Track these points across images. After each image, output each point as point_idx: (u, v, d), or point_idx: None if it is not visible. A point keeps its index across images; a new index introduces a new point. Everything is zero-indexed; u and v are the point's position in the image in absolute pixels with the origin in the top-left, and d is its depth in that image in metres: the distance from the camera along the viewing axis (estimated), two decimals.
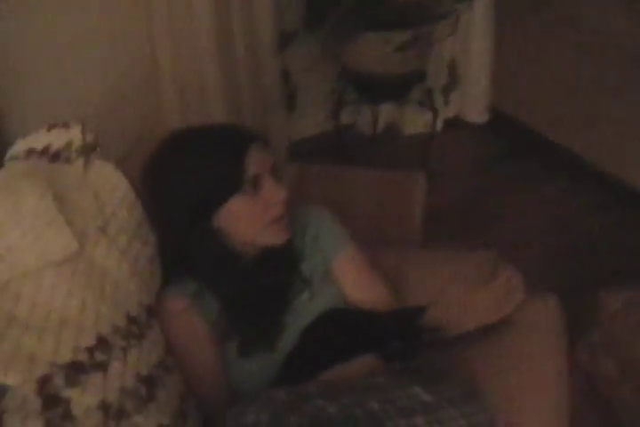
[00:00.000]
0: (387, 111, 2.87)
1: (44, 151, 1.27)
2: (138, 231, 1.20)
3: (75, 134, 1.28)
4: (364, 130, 2.90)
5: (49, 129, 1.29)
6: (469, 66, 2.85)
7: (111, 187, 1.23)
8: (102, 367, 0.97)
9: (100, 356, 0.97)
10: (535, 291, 1.46)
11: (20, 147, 1.27)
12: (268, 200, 1.14)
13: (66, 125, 1.29)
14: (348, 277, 1.29)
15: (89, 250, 1.09)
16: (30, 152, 1.27)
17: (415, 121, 2.87)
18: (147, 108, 2.13)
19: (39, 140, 1.28)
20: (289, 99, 2.64)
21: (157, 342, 1.12)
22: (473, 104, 2.97)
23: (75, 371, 0.94)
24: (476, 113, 2.98)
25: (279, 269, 1.23)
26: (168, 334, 1.16)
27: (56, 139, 1.28)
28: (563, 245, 2.34)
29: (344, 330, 1.20)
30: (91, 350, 0.97)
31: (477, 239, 2.26)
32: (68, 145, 1.28)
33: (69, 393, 0.92)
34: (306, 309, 1.22)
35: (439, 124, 2.83)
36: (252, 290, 1.20)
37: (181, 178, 1.14)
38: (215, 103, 2.18)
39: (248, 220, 1.16)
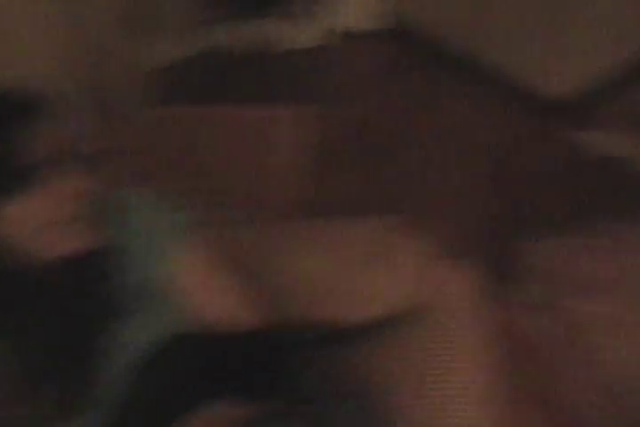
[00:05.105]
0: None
1: None
2: None
3: None
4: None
5: None
6: None
7: None
8: None
9: None
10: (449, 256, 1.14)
11: None
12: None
13: None
14: (194, 284, 0.91)
15: None
16: None
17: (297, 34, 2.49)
18: None
19: None
20: None
21: None
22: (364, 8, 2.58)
23: None
24: (369, 19, 2.59)
25: (92, 281, 0.83)
26: None
27: None
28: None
29: (191, 365, 0.83)
30: None
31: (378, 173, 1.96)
32: None
33: None
34: (135, 338, 0.84)
35: (328, 37, 2.45)
36: (50, 316, 0.79)
37: None
38: None
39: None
